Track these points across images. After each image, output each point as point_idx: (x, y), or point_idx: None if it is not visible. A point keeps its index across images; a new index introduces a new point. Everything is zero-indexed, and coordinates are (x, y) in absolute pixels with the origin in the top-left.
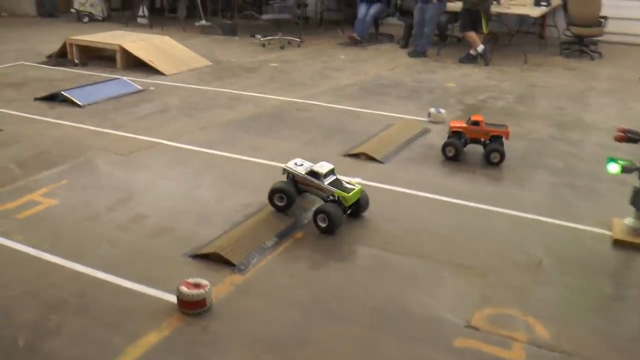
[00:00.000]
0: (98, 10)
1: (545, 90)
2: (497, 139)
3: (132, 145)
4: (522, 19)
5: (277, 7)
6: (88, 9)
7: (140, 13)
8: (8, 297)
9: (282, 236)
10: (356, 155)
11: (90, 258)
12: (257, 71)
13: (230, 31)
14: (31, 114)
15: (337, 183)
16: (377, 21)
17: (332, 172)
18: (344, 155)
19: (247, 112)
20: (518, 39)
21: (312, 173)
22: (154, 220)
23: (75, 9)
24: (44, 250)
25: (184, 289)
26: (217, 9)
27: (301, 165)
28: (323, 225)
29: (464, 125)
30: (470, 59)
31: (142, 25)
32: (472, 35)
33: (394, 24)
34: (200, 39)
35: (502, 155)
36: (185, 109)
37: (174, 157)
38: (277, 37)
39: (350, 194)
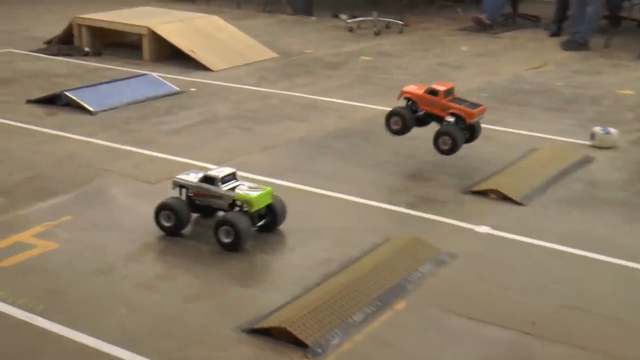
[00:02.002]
0: None
1: None
2: (458, 119)
3: (162, 170)
4: None
5: None
6: None
7: None
8: None
9: (376, 307)
10: (483, 193)
11: (101, 327)
12: (341, 67)
13: (304, 9)
14: (21, 123)
15: (240, 188)
16: None
17: (232, 176)
18: (466, 193)
19: (326, 126)
20: None
21: (206, 179)
22: (194, 278)
23: None
24: (37, 313)
25: None
26: None
27: (196, 174)
28: (227, 240)
29: (419, 92)
30: None
31: (180, 0)
32: None
33: (540, 2)
34: (262, 20)
35: (455, 142)
36: (239, 119)
37: None
38: (370, 18)
39: (255, 195)
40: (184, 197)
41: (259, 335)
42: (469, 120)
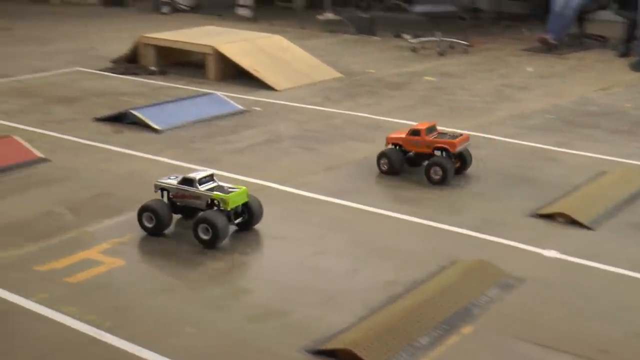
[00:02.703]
0: None
1: None
2: (444, 151)
3: None
4: None
5: None
6: None
7: (241, 1)
8: None
9: (442, 330)
10: (550, 216)
11: (168, 345)
12: (405, 88)
13: (367, 28)
14: (89, 140)
15: (218, 187)
16: (582, 17)
17: (210, 178)
18: (532, 216)
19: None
20: None
21: (185, 181)
22: (259, 298)
23: None
24: (104, 329)
25: None
26: None
27: (176, 178)
28: (205, 237)
29: (402, 136)
30: None
31: (243, 19)
32: None
33: (608, 22)
34: (325, 40)
35: (445, 171)
36: (303, 139)
37: (286, 209)
38: (434, 38)
39: (230, 194)
40: (165, 199)
41: (325, 356)
42: (453, 150)
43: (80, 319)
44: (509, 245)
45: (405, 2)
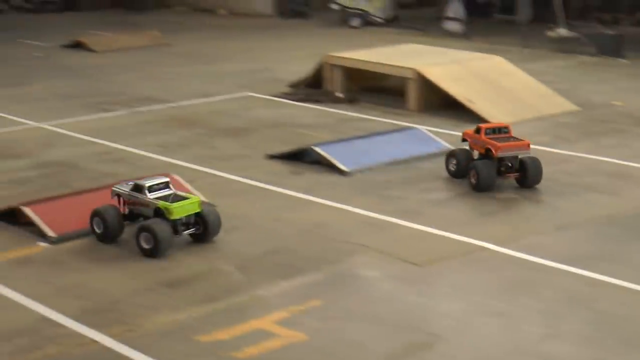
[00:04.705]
0: (377, 7)
1: None
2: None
3: (431, 250)
4: None
5: None
6: (361, 4)
7: (450, 13)
8: None
9: None
10: None
11: None
12: None
13: (612, 49)
14: (261, 182)
15: (170, 196)
16: None
17: (165, 185)
18: None
19: None
20: None
21: (136, 187)
22: None
23: (339, 4)
24: None
25: None
26: (587, 7)
27: (131, 182)
28: (147, 246)
29: (470, 132)
30: None
31: (452, 35)
32: None
33: None
34: (556, 62)
35: (480, 176)
36: (527, 189)
37: (507, 277)
38: None
39: (175, 204)
40: (122, 205)
41: None
42: (495, 153)
43: None
44: None
45: None
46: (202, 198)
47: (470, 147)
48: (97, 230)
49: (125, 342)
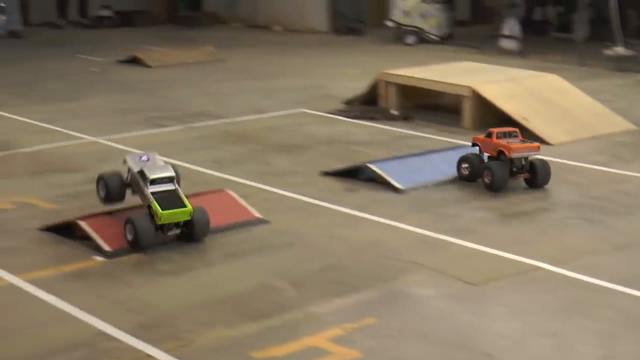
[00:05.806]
0: (432, 25)
1: None
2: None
3: (486, 268)
4: None
5: None
6: (416, 21)
7: (506, 31)
8: None
9: None
10: None
11: None
12: None
13: None
14: (315, 199)
15: (167, 195)
16: None
17: (169, 180)
18: None
19: None
20: None
21: (141, 174)
22: None
23: (394, 22)
24: None
25: None
26: None
27: (147, 160)
28: (129, 237)
29: (480, 137)
30: None
31: (508, 53)
32: None
33: None
34: (614, 81)
35: (494, 176)
36: (584, 208)
37: (562, 297)
38: None
39: (167, 212)
40: (127, 173)
41: None
42: (508, 154)
43: None
44: None
45: None
46: (257, 214)
47: (481, 151)
48: (101, 194)
49: (179, 357)
